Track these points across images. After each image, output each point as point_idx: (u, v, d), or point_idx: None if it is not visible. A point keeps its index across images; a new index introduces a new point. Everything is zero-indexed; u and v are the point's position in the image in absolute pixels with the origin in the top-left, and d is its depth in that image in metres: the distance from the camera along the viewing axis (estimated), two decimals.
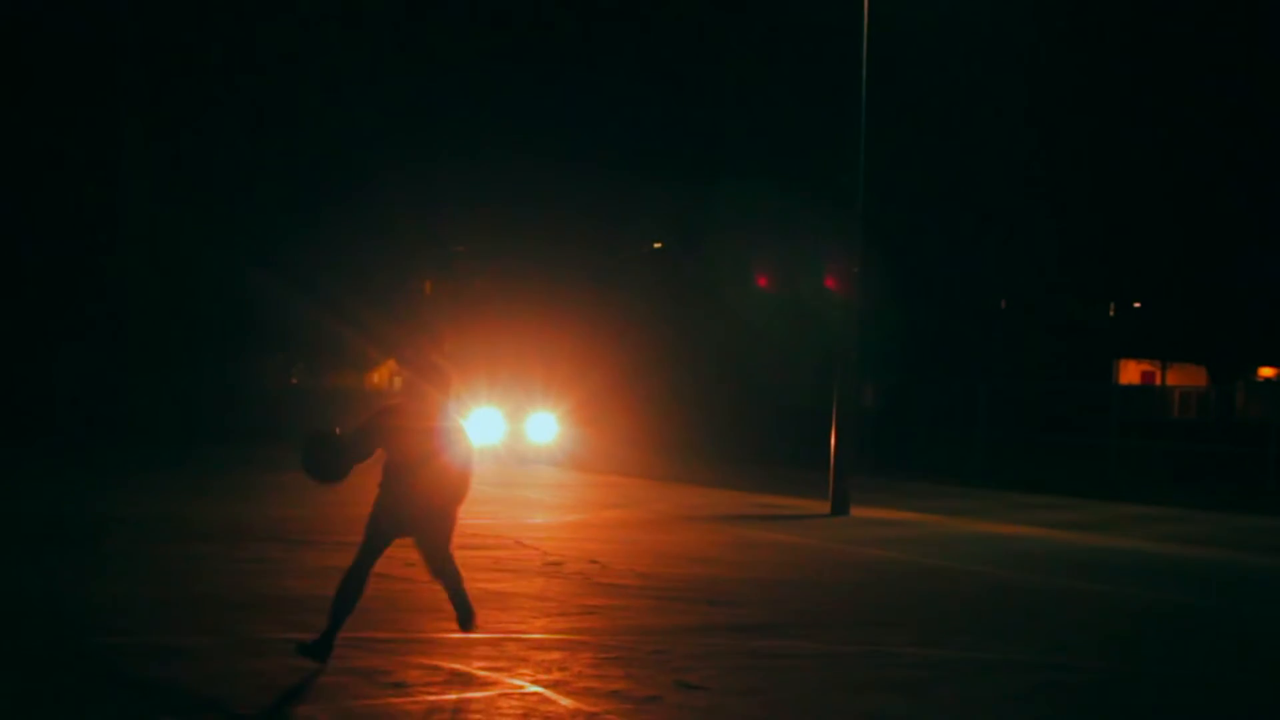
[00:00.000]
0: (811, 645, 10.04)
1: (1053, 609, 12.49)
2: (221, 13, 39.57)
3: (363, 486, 8.90)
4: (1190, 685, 9.40)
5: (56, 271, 38.40)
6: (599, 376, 37.41)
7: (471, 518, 17.47)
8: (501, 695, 8.21)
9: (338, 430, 8.71)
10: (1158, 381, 52.65)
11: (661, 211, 45.40)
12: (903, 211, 41.30)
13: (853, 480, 21.12)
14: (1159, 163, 42.16)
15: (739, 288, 44.11)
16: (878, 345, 34.04)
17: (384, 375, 50.43)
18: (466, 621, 8.97)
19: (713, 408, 39.84)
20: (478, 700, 8.07)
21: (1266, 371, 52.45)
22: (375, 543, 8.65)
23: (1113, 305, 53.26)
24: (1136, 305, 52.18)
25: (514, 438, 32.26)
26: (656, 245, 47.67)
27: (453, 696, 8.13)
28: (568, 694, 8.28)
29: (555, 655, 9.36)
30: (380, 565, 8.81)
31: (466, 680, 8.53)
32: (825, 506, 20.77)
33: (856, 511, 20.55)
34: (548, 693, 8.29)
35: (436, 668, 8.82)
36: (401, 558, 10.40)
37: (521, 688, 8.41)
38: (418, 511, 8.59)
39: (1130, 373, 54.48)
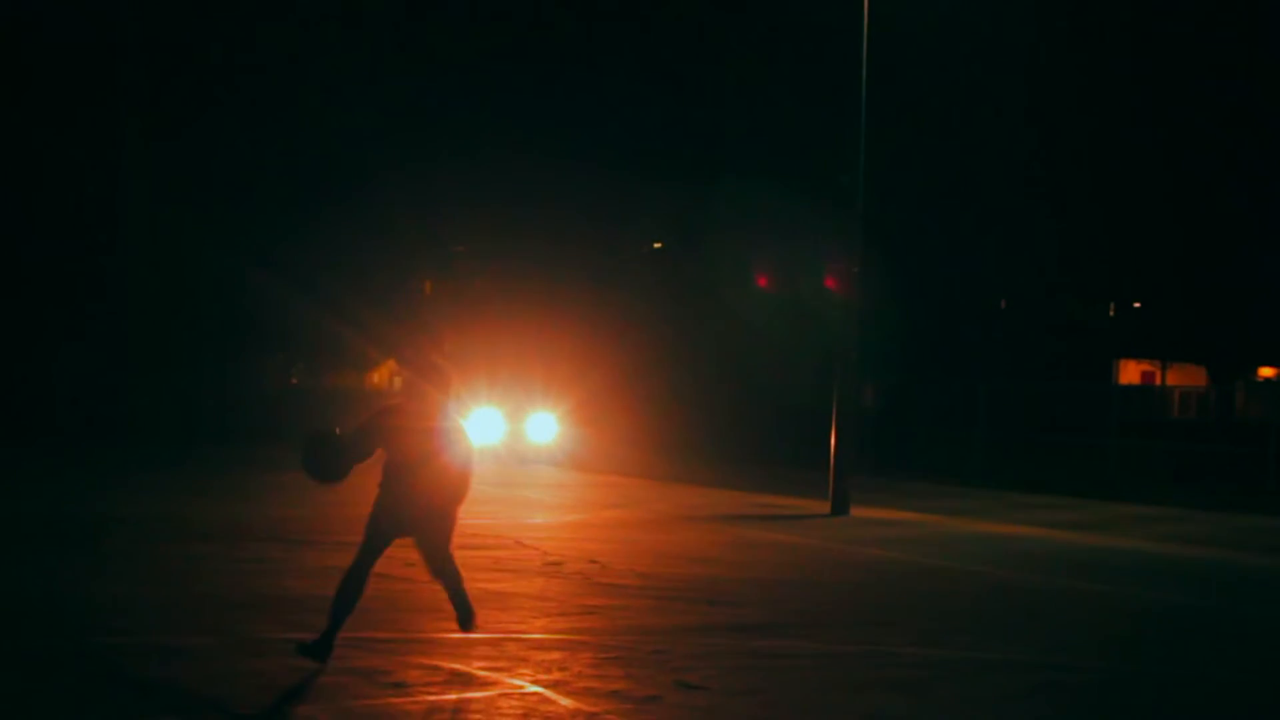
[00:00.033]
0: (811, 645, 10.04)
1: (1053, 609, 12.49)
2: (221, 13, 39.57)
3: (363, 486, 8.90)
4: (1190, 685, 9.40)
5: (56, 271, 38.39)
6: (599, 376, 37.41)
7: (471, 518, 17.47)
8: (501, 695, 8.21)
9: (338, 430, 8.71)
10: (1158, 381, 52.66)
11: (661, 211, 45.40)
12: (903, 211, 41.32)
13: (853, 480, 21.13)
14: (1159, 163, 42.18)
15: (739, 288, 44.09)
16: (878, 345, 34.04)
17: (384, 375, 50.44)
18: (466, 621, 8.98)
19: (713, 408, 39.83)
20: (478, 700, 8.07)
21: (1266, 371, 52.47)
22: (375, 543, 8.65)
23: (1113, 305, 53.29)
24: (1136, 305, 52.20)
25: (514, 438, 32.26)
26: (656, 245, 47.67)
27: (453, 696, 8.13)
28: (568, 694, 8.28)
29: (555, 655, 9.36)
30: (380, 565, 8.81)
31: (466, 680, 8.53)
32: (825, 506, 20.77)
33: (856, 511, 20.55)
34: (548, 693, 8.29)
35: (436, 668, 8.82)
36: (401, 558, 10.39)
37: (521, 688, 8.41)
38: (418, 512, 8.59)
39: (1130, 373, 54.50)
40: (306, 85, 40.20)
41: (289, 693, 8.06)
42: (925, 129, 41.95)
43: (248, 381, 43.02)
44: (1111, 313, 53.38)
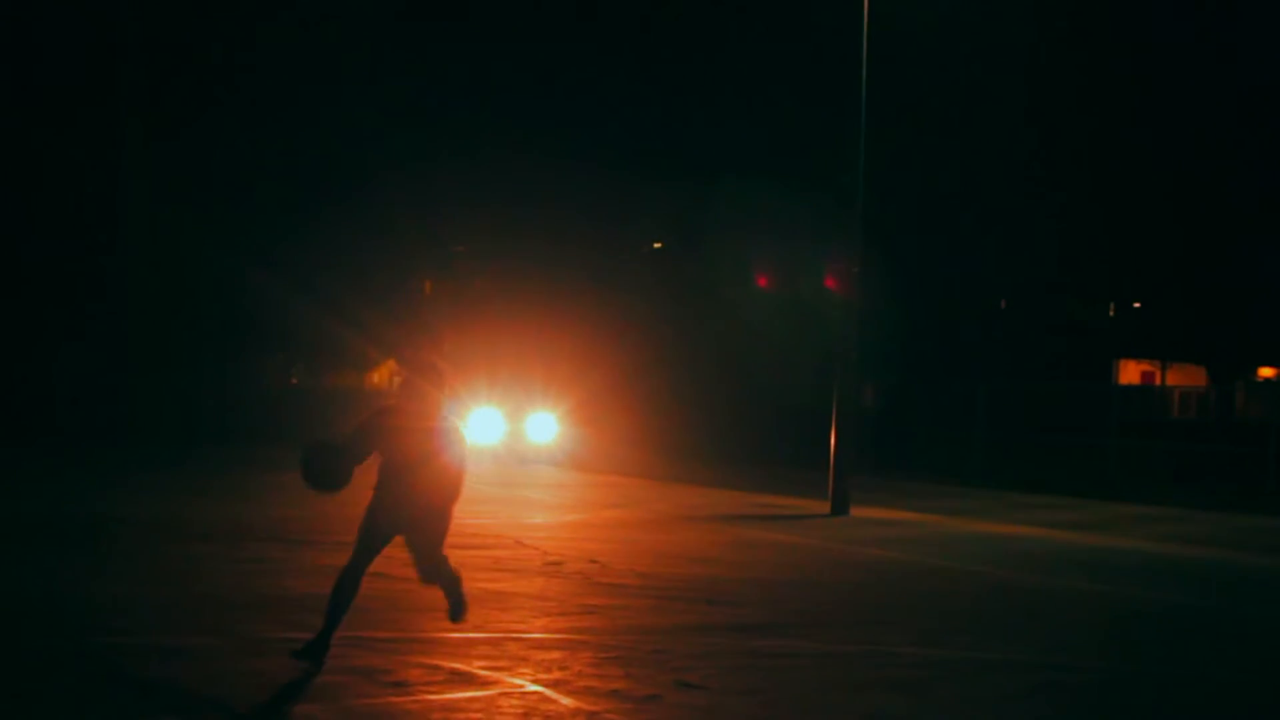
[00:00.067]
0: (811, 645, 10.04)
1: (1053, 609, 12.50)
2: (221, 13, 39.57)
3: (364, 486, 8.90)
4: (1190, 685, 9.40)
5: (56, 271, 38.39)
6: (599, 376, 37.40)
7: (471, 518, 17.48)
8: (502, 694, 8.21)
9: (335, 440, 8.67)
10: (1157, 381, 52.65)
11: (661, 211, 45.40)
12: (903, 211, 41.32)
13: (853, 480, 21.13)
14: (1159, 163, 42.18)
15: (739, 288, 44.10)
16: (878, 345, 34.05)
17: (384, 375, 50.42)
18: (457, 614, 8.93)
19: (713, 408, 39.82)
20: (478, 699, 8.07)
21: (1266, 371, 52.47)
22: (373, 542, 8.63)
23: (1113, 305, 53.28)
24: (1136, 305, 52.21)
25: (514, 438, 32.26)
26: (656, 245, 47.67)
27: (453, 696, 8.13)
28: (568, 693, 8.29)
29: (555, 655, 9.36)
30: (380, 565, 8.82)
31: (467, 679, 8.53)
32: (825, 506, 20.77)
33: (856, 511, 20.55)
34: (548, 692, 8.30)
35: (437, 667, 8.82)
36: (401, 557, 10.36)
37: (522, 687, 8.41)
38: (418, 511, 8.58)
39: (1130, 373, 54.49)
40: (306, 85, 40.20)
41: (289, 692, 8.06)
42: (925, 129, 41.95)
43: (248, 381, 43.00)
44: (1111, 313, 53.39)
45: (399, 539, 8.77)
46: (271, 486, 21.38)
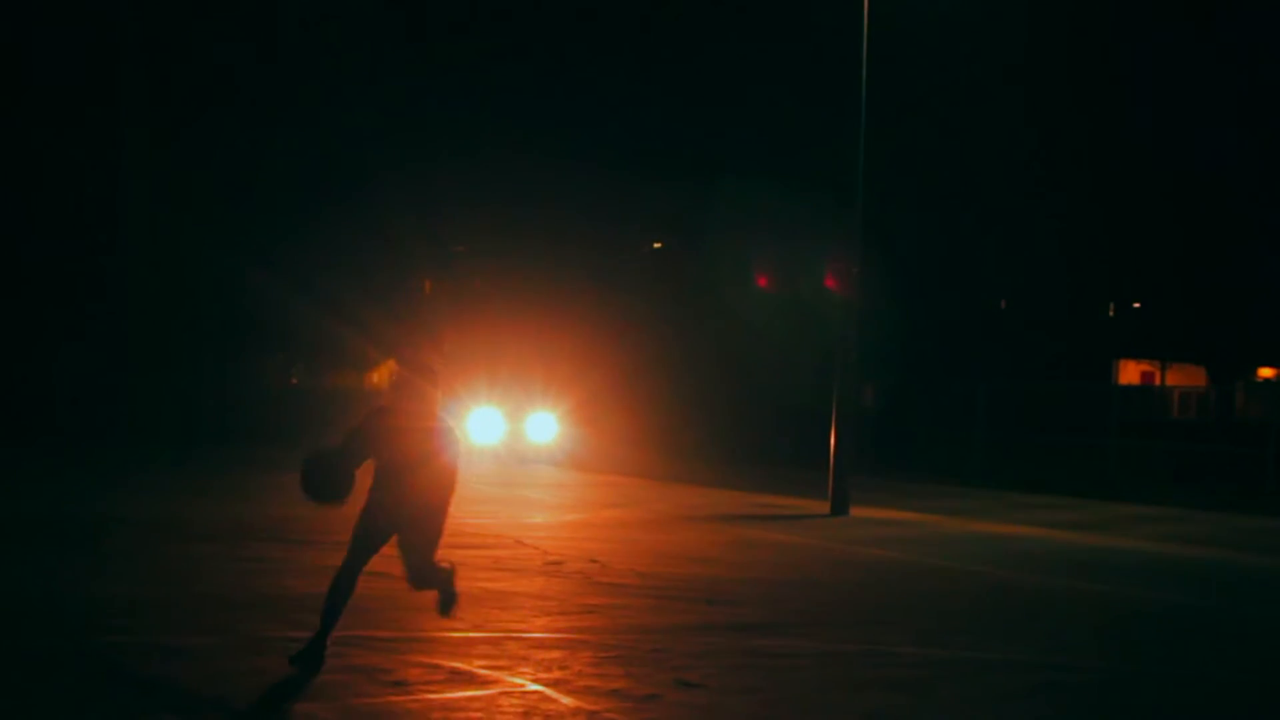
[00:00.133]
0: (811, 644, 10.04)
1: (1053, 609, 12.50)
2: (221, 13, 39.58)
3: (364, 487, 8.89)
4: (1190, 685, 9.40)
5: (56, 271, 38.40)
6: (599, 376, 37.41)
7: (471, 517, 17.49)
8: (502, 694, 8.21)
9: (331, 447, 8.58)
10: (1157, 382, 52.65)
11: (661, 211, 45.40)
12: (903, 211, 41.34)
13: (853, 480, 21.12)
14: (1159, 163, 42.21)
15: (739, 288, 44.12)
16: (878, 345, 34.08)
17: (384, 375, 50.39)
18: (447, 607, 8.89)
19: (713, 407, 39.85)
20: (478, 699, 8.07)
21: (1266, 372, 52.45)
22: (370, 542, 8.57)
23: (1113, 305, 53.29)
24: (1136, 305, 52.22)
25: (514, 438, 32.26)
26: (656, 245, 47.67)
27: (453, 695, 8.13)
28: (568, 692, 8.29)
29: (555, 654, 9.36)
30: (381, 564, 8.81)
31: (467, 679, 8.54)
32: (825, 506, 20.77)
33: (856, 511, 20.56)
34: (548, 691, 8.30)
35: (437, 666, 8.82)
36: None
37: (522, 686, 8.41)
38: (418, 511, 8.55)
39: (1130, 373, 54.47)
40: (306, 85, 40.21)
41: (289, 691, 8.06)
42: (925, 129, 41.97)
43: (248, 381, 43.01)
44: (1111, 313, 53.39)
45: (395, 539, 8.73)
46: (271, 486, 21.37)
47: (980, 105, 42.17)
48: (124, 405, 37.23)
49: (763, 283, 44.81)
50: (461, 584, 10.23)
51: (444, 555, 8.88)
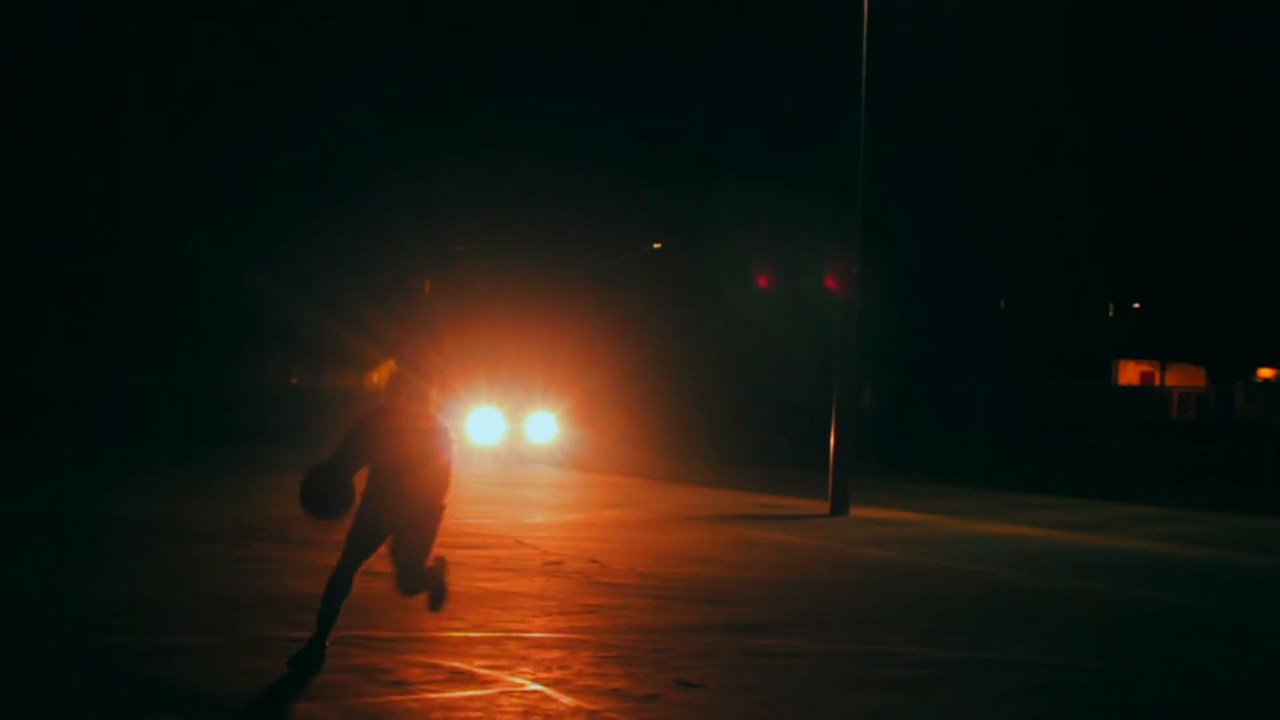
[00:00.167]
0: (811, 644, 10.05)
1: (1053, 609, 12.50)
2: (221, 13, 39.58)
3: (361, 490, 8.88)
4: (1190, 685, 9.40)
5: (56, 271, 38.40)
6: (599, 376, 37.41)
7: (471, 517, 17.50)
8: (502, 693, 8.22)
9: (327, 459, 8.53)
10: (1157, 382, 52.65)
11: (661, 211, 45.41)
12: (903, 211, 41.34)
13: (853, 480, 21.12)
14: (1159, 163, 42.22)
15: (739, 288, 44.11)
16: (878, 345, 34.06)
17: (384, 375, 50.38)
18: (438, 602, 8.87)
19: (713, 407, 39.84)
20: (479, 698, 8.08)
21: (1266, 372, 52.46)
22: (368, 542, 8.55)
23: (1112, 305, 53.31)
24: (1136, 305, 52.22)
25: (514, 438, 32.26)
26: (656, 245, 47.68)
27: (453, 694, 8.14)
28: (568, 692, 8.29)
29: (555, 654, 9.36)
30: (381, 564, 8.80)
31: (467, 678, 8.54)
32: (825, 506, 20.77)
33: (856, 511, 20.55)
34: (548, 691, 8.30)
35: (437, 666, 8.83)
36: None
37: (522, 686, 8.41)
38: (417, 511, 8.54)
39: (1130, 373, 54.47)
40: (306, 85, 40.21)
41: (289, 691, 8.06)
42: (925, 129, 41.98)
43: (248, 381, 43.00)
44: (1111, 313, 53.40)
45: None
46: (271, 486, 21.37)
47: (980, 105, 42.19)
48: (124, 405, 37.23)
49: (763, 283, 44.81)
50: (461, 584, 10.27)
51: (435, 552, 8.86)
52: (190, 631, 9.69)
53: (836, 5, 22.74)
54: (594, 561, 14.14)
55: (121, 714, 7.59)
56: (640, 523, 18.48)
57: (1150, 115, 42.13)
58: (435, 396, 8.70)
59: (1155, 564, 16.04)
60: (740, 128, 45.14)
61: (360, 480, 8.54)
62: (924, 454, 33.13)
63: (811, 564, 14.93)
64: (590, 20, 46.24)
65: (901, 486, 26.76)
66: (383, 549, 8.60)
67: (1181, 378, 51.26)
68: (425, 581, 8.73)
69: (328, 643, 8.50)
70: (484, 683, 8.45)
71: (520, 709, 7.86)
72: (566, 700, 8.10)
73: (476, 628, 10.04)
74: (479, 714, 7.75)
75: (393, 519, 8.52)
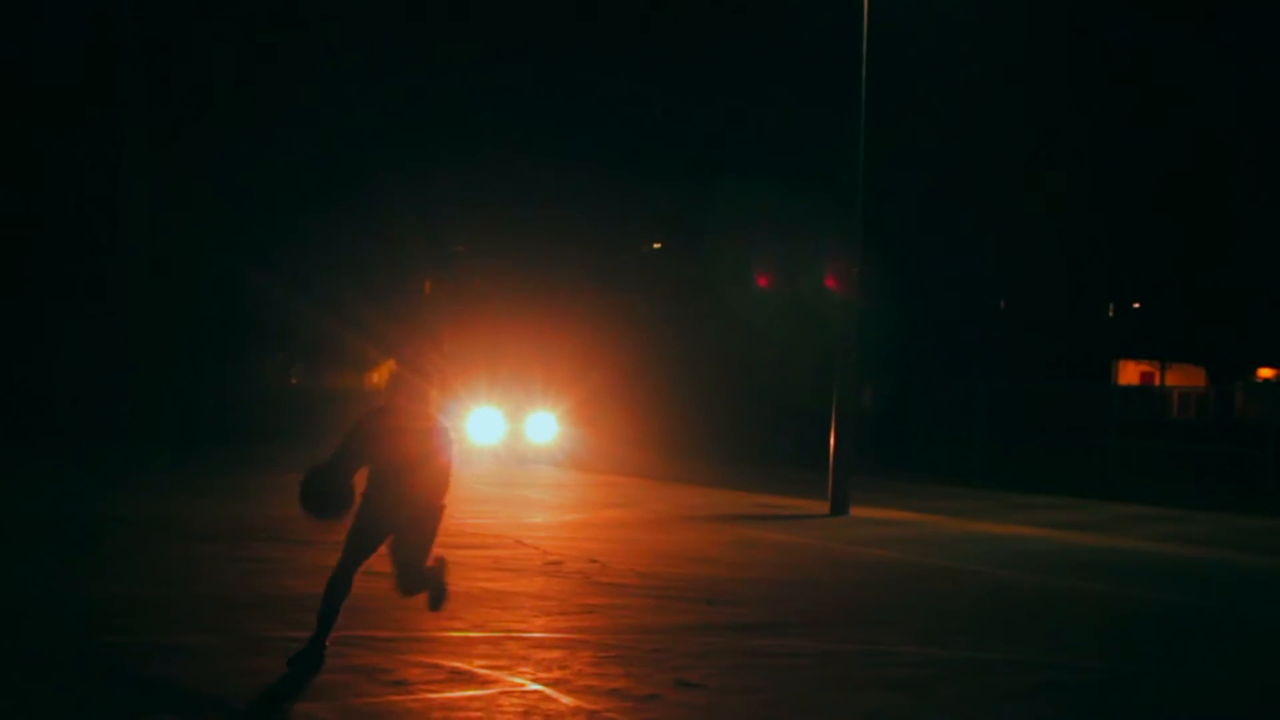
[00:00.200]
0: (811, 644, 10.04)
1: (1053, 609, 12.50)
2: (221, 13, 39.58)
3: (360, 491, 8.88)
4: (1190, 685, 9.40)
5: (56, 271, 38.40)
6: (599, 376, 37.41)
7: (471, 517, 17.49)
8: (502, 693, 8.22)
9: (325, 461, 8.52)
10: (1157, 382, 52.66)
11: (661, 211, 45.42)
12: (903, 211, 41.35)
13: (852, 480, 21.12)
14: (1159, 163, 42.23)
15: (739, 287, 44.12)
16: (878, 345, 34.06)
17: (384, 375, 50.36)
18: (438, 602, 8.88)
19: (713, 407, 39.84)
20: (479, 698, 8.08)
21: (1265, 372, 52.48)
22: (368, 543, 8.54)
23: (1112, 305, 53.32)
24: (1136, 305, 52.23)
25: (514, 438, 32.26)
26: (656, 245, 47.68)
27: (453, 694, 8.14)
28: (568, 692, 8.29)
29: (555, 654, 9.36)
30: (381, 564, 8.80)
31: (467, 678, 8.54)
32: (825, 506, 20.77)
33: (856, 511, 20.55)
34: (548, 691, 8.30)
35: (437, 666, 8.83)
36: None
37: (522, 686, 8.41)
38: (417, 511, 8.54)
39: (1129, 373, 54.49)
40: (306, 85, 40.20)
41: (289, 691, 8.06)
42: (925, 129, 41.99)
43: (248, 381, 43.00)
44: (1111, 313, 53.41)
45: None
46: (271, 486, 21.36)
47: (980, 105, 42.20)
48: (124, 405, 37.23)
49: (763, 283, 44.81)
50: (461, 584, 10.26)
51: (435, 552, 8.86)
52: (190, 631, 9.69)
53: (836, 5, 22.74)
54: (594, 561, 14.14)
55: (121, 714, 7.59)
56: (640, 523, 18.48)
57: (1150, 115, 42.15)
58: (435, 396, 8.69)
59: (1155, 564, 16.04)
60: (740, 128, 45.15)
61: (360, 480, 8.54)
62: (924, 454, 33.12)
63: (811, 564, 14.93)
64: (590, 20, 46.26)
65: (901, 486, 26.76)
66: (383, 549, 8.60)
67: (1181, 378, 51.27)
68: (425, 581, 8.72)
69: (328, 643, 8.50)
70: (484, 683, 8.45)
71: (520, 709, 7.86)
72: (566, 700, 8.10)
73: (476, 628, 10.04)
74: (479, 714, 7.75)
75: (393, 519, 8.51)
